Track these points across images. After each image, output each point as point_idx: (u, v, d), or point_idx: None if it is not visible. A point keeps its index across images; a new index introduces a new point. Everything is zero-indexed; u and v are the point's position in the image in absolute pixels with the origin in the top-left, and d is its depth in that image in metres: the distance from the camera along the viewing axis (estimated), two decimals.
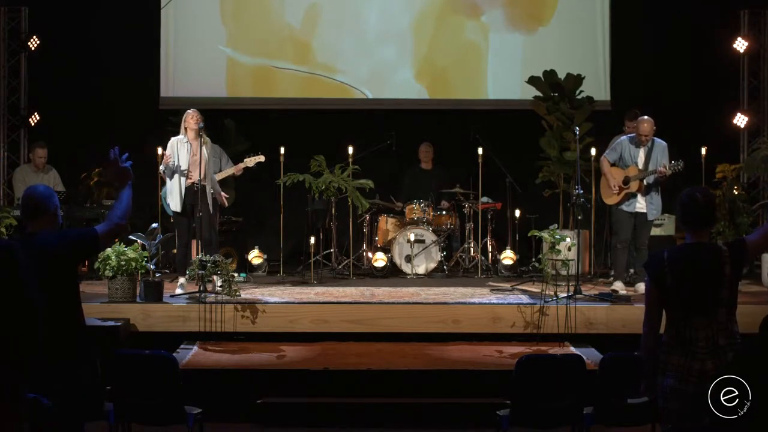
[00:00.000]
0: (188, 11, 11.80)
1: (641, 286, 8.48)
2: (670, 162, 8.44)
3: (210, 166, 8.50)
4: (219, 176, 8.74)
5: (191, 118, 8.48)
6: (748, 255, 4.21)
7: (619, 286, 8.41)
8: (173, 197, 8.48)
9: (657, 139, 8.54)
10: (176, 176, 8.44)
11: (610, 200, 8.69)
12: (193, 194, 8.41)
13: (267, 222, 11.07)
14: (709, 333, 4.01)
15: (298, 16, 11.84)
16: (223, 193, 8.74)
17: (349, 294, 8.40)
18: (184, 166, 8.41)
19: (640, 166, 8.49)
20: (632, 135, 8.62)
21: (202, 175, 8.33)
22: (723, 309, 4.04)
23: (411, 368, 6.81)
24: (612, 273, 8.95)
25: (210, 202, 8.44)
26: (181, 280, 8.27)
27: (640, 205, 8.51)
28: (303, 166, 9.66)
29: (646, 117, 8.51)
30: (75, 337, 4.18)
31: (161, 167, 8.56)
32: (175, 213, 8.56)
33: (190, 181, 8.44)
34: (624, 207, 8.56)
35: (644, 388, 4.23)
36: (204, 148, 8.44)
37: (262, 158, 9.13)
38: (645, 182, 8.46)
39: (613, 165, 8.64)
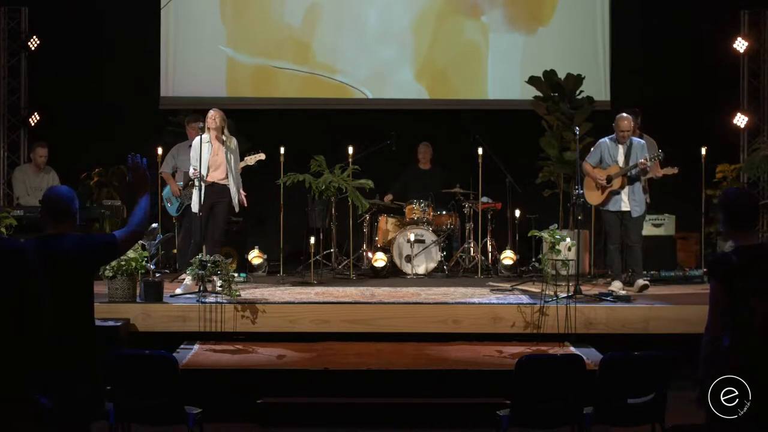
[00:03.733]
0: (188, 11, 11.80)
1: (640, 281, 8.49)
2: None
3: (233, 167, 8.53)
4: None
5: (210, 119, 8.50)
6: None
7: (617, 286, 8.42)
8: (194, 197, 8.50)
9: (635, 138, 8.64)
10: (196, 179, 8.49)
11: (594, 200, 8.74)
12: (212, 193, 8.44)
13: (267, 222, 11.06)
14: None
15: (298, 16, 11.84)
16: (243, 192, 8.74)
17: (349, 294, 8.40)
18: (204, 166, 8.42)
19: (621, 164, 8.54)
20: (612, 136, 8.67)
21: (222, 175, 8.43)
22: None
23: (411, 368, 6.81)
24: (609, 273, 8.96)
25: (235, 202, 8.52)
26: (186, 278, 8.25)
27: (624, 203, 8.55)
28: (303, 166, 9.65)
29: (624, 114, 8.60)
30: (87, 340, 4.19)
31: (191, 174, 8.55)
32: (194, 213, 8.56)
33: (210, 180, 8.46)
34: (609, 207, 8.61)
35: (699, 395, 4.13)
36: (226, 148, 8.47)
37: (262, 156, 9.13)
38: (627, 177, 8.50)
39: (594, 167, 8.69)
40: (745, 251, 4.11)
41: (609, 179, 8.54)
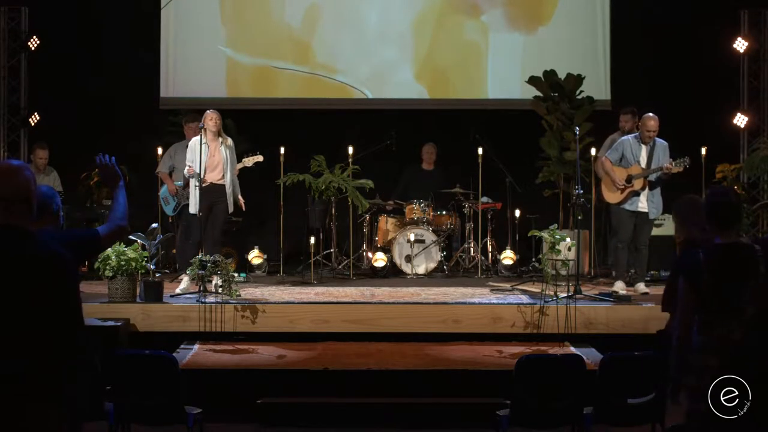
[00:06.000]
0: (188, 11, 11.80)
1: (641, 287, 8.48)
2: (674, 160, 8.46)
3: (229, 167, 8.53)
4: None
5: (210, 120, 8.49)
6: None
7: (620, 286, 8.41)
8: (191, 199, 8.50)
9: (658, 139, 8.56)
10: (193, 179, 8.48)
11: (613, 198, 8.67)
12: (210, 194, 8.43)
13: (267, 222, 11.06)
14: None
15: (298, 16, 11.85)
16: (241, 198, 8.74)
17: (349, 294, 8.40)
18: (202, 167, 8.41)
19: (643, 164, 8.50)
20: (636, 134, 8.62)
21: (219, 176, 8.43)
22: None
23: (411, 368, 6.81)
24: (613, 273, 8.95)
25: (231, 202, 8.50)
26: (185, 279, 8.25)
27: (642, 204, 8.51)
28: (303, 166, 9.66)
29: (651, 114, 8.52)
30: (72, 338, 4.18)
31: (185, 173, 8.56)
32: (192, 214, 8.55)
33: (207, 181, 8.46)
34: (627, 206, 8.55)
35: (671, 392, 4.18)
36: (223, 148, 8.48)
37: (260, 158, 9.13)
38: (649, 180, 8.47)
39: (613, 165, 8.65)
40: (716, 249, 4.13)
41: (629, 179, 8.51)
